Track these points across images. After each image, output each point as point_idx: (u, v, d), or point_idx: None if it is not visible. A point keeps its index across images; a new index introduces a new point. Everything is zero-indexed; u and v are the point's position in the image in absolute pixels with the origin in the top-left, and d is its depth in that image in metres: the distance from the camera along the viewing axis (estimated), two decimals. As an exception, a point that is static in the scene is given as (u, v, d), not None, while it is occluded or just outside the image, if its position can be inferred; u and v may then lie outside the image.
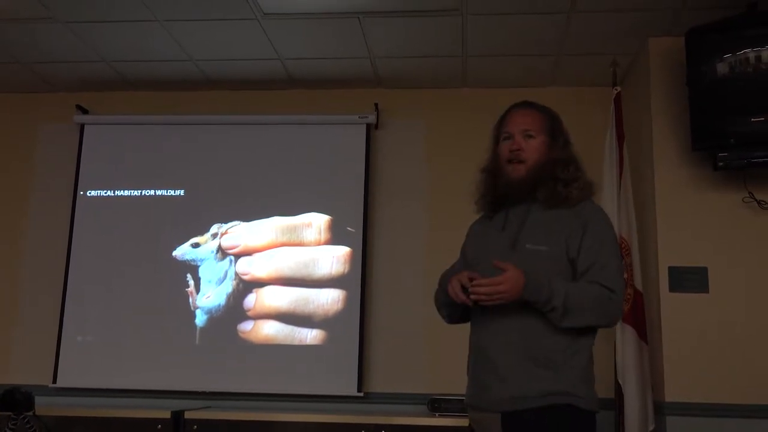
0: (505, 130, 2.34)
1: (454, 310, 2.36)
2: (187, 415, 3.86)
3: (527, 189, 2.26)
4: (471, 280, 2.12)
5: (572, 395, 2.10)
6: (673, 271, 3.69)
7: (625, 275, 3.68)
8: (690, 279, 3.68)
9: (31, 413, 2.83)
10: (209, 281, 4.46)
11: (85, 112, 4.74)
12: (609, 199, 3.79)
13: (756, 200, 3.66)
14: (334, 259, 4.41)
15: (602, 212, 2.31)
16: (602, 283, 2.13)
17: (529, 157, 2.27)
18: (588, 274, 2.15)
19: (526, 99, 2.42)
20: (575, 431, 2.11)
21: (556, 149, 2.29)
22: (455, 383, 4.04)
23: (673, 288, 3.68)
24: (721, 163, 3.57)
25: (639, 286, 3.68)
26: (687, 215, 3.73)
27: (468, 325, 2.40)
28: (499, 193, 2.32)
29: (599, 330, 4.07)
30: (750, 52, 3.48)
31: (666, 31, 3.84)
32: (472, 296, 2.10)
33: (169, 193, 4.59)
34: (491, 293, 2.07)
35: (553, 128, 2.33)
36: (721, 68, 3.52)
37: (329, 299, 4.36)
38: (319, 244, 4.44)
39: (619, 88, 3.93)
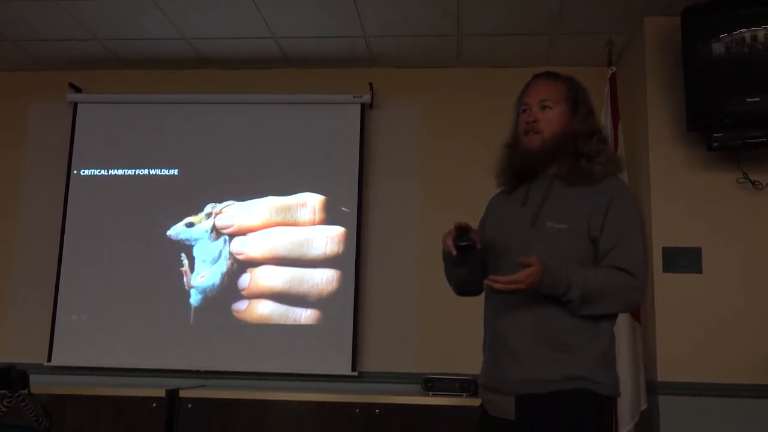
0: (523, 102, 2.25)
1: (463, 284, 2.29)
2: (182, 393, 3.88)
3: (544, 160, 2.18)
4: (459, 228, 2.08)
5: (589, 380, 2.03)
6: (666, 251, 3.70)
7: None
8: (684, 259, 3.69)
9: (26, 391, 2.83)
10: (204, 261, 4.46)
11: (78, 90, 4.71)
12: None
13: (750, 181, 3.67)
14: (329, 239, 4.41)
15: (627, 190, 2.21)
16: (624, 267, 2.04)
17: (545, 128, 2.17)
18: (609, 256, 2.06)
19: (549, 69, 2.33)
20: (591, 416, 2.04)
21: (577, 120, 2.19)
22: (449, 362, 4.09)
23: (666, 268, 3.69)
24: (715, 144, 3.57)
25: (632, 266, 3.68)
26: (681, 195, 3.74)
27: (458, 307, 2.39)
28: (516, 166, 2.24)
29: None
30: (746, 32, 3.47)
31: (662, 11, 3.82)
32: (485, 282, 2.05)
33: (163, 173, 4.57)
34: (504, 289, 2.00)
35: (575, 98, 2.22)
36: (717, 48, 3.51)
37: (324, 279, 4.37)
38: (313, 224, 4.44)
39: (614, 68, 3.91)
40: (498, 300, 2.14)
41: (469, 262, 2.18)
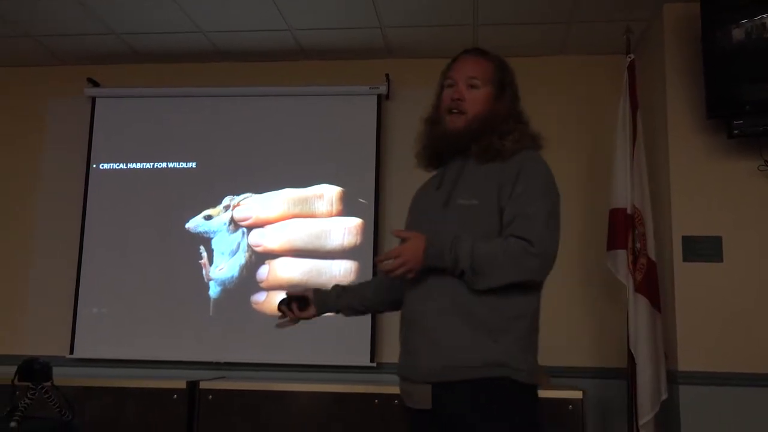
0: (450, 75, 2.17)
1: (386, 305, 2.35)
2: (202, 385, 3.90)
3: (464, 142, 2.11)
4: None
5: (510, 367, 1.93)
6: (686, 240, 3.67)
7: (638, 245, 3.67)
8: (704, 248, 3.66)
9: (49, 383, 2.86)
10: (222, 253, 4.48)
11: (96, 85, 4.74)
12: (622, 168, 3.77)
13: (771, 168, 3.63)
14: (346, 230, 4.42)
15: (538, 161, 2.10)
16: (520, 235, 1.94)
17: (470, 109, 2.11)
18: (511, 225, 1.98)
19: (478, 46, 2.26)
20: (512, 408, 1.95)
21: (501, 103, 2.13)
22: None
23: (686, 257, 3.66)
24: (736, 131, 3.53)
25: (652, 255, 3.66)
26: (701, 184, 3.70)
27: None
28: (437, 146, 2.18)
29: (607, 299, 4.08)
30: (766, 17, 3.43)
31: (681, -3, 3.79)
32: (380, 267, 2.02)
33: (181, 166, 4.60)
34: (393, 267, 1.96)
35: (502, 80, 2.15)
36: (737, 34, 3.47)
37: (341, 270, 4.38)
38: (330, 216, 4.45)
39: (632, 56, 3.87)
40: (412, 285, 2.07)
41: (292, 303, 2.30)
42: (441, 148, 2.18)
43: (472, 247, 1.94)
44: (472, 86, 2.13)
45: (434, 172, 2.26)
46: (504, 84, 2.16)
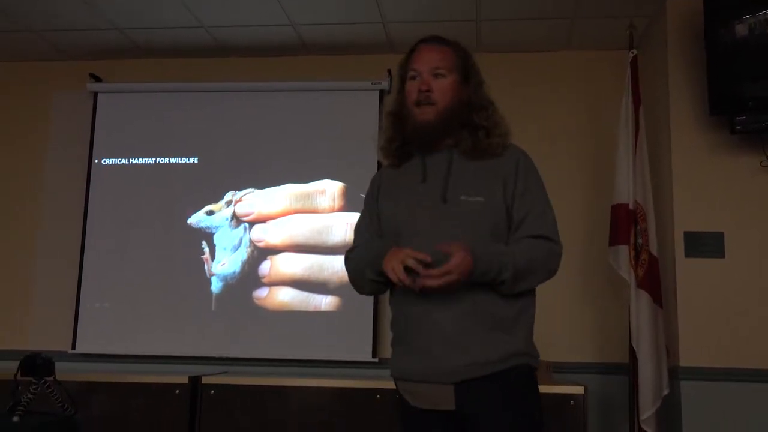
0: (413, 67, 2.09)
1: (381, 287, 2.09)
2: (205, 380, 3.91)
3: (438, 134, 2.06)
4: (421, 263, 1.86)
5: (527, 354, 2.00)
6: (688, 236, 3.67)
7: (640, 240, 3.67)
8: (706, 244, 3.66)
9: (51, 378, 2.87)
10: (224, 248, 4.48)
11: (98, 80, 4.74)
12: (624, 164, 3.76)
13: (774, 164, 3.63)
14: (348, 225, 4.42)
15: (527, 155, 2.10)
16: (543, 234, 1.99)
17: (439, 99, 2.03)
18: (526, 223, 2.00)
19: (436, 34, 2.17)
20: (533, 389, 2.02)
21: (469, 90, 2.08)
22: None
23: (688, 253, 3.66)
24: (738, 127, 3.53)
25: (654, 251, 3.66)
26: (703, 180, 3.70)
27: None
28: (409, 139, 2.11)
29: (609, 295, 4.08)
30: (769, 13, 3.42)
31: (684, -7, 3.78)
32: (418, 282, 1.87)
33: (183, 161, 4.60)
34: (442, 285, 1.85)
35: (466, 67, 2.10)
36: (740, 30, 3.46)
37: (343, 266, 4.36)
38: (332, 211, 4.45)
39: (635, 52, 3.87)
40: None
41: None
42: (413, 142, 2.11)
43: (514, 257, 1.93)
44: (438, 75, 2.07)
45: (396, 163, 2.18)
46: (468, 71, 2.11)
